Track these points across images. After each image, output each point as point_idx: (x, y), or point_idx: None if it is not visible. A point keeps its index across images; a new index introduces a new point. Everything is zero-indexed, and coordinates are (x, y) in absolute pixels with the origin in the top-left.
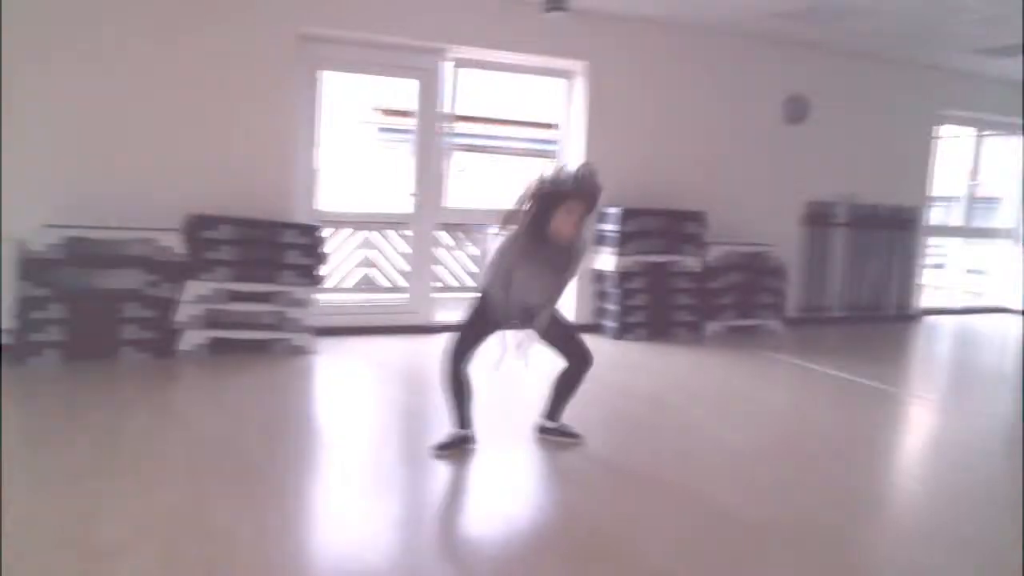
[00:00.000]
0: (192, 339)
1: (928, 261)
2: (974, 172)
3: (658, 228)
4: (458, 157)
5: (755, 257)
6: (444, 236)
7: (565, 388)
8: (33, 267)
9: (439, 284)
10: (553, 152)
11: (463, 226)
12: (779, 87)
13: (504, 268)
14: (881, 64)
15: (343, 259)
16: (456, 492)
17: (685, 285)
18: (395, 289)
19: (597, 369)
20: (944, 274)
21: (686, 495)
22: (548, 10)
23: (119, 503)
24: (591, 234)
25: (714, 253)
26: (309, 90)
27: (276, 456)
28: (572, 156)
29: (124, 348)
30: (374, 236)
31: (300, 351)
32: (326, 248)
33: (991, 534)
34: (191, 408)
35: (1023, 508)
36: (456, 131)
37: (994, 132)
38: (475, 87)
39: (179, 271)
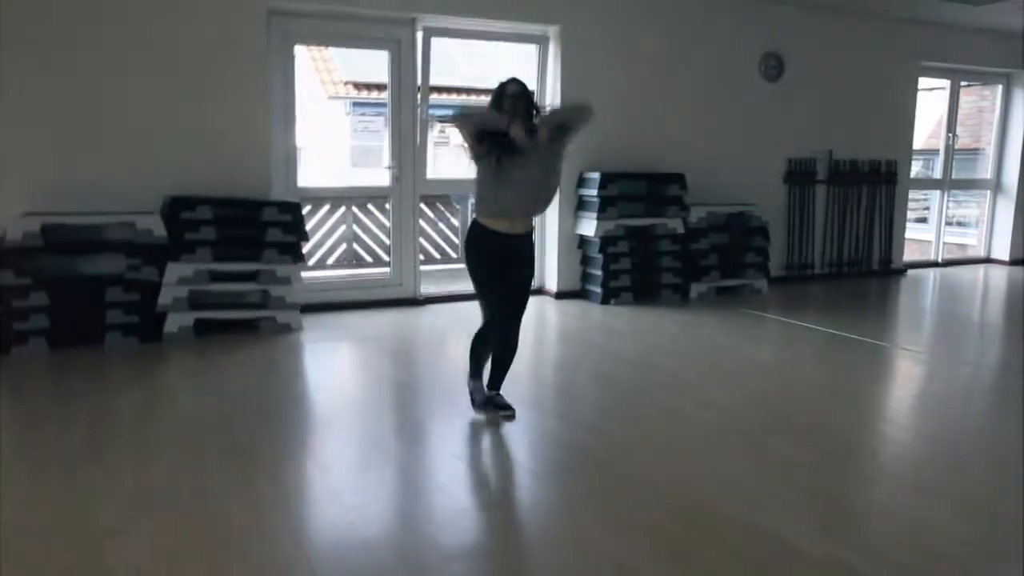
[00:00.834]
0: (177, 321)
1: (911, 215)
2: (953, 123)
3: (639, 191)
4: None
5: (738, 217)
6: (426, 208)
7: (501, 360)
8: (12, 256)
9: (422, 257)
10: None
11: (444, 197)
12: (755, 44)
13: (488, 185)
14: (858, 17)
15: (325, 235)
16: (449, 462)
17: (668, 248)
18: (379, 263)
19: (586, 332)
20: (927, 227)
21: (675, 454)
22: None
23: (114, 486)
24: (561, 130)
25: (696, 214)
26: (282, 66)
27: (268, 433)
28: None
29: (109, 333)
30: (355, 211)
31: (286, 329)
32: (307, 225)
33: (975, 481)
34: (181, 390)
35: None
36: (431, 103)
37: (974, 83)
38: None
39: (160, 254)
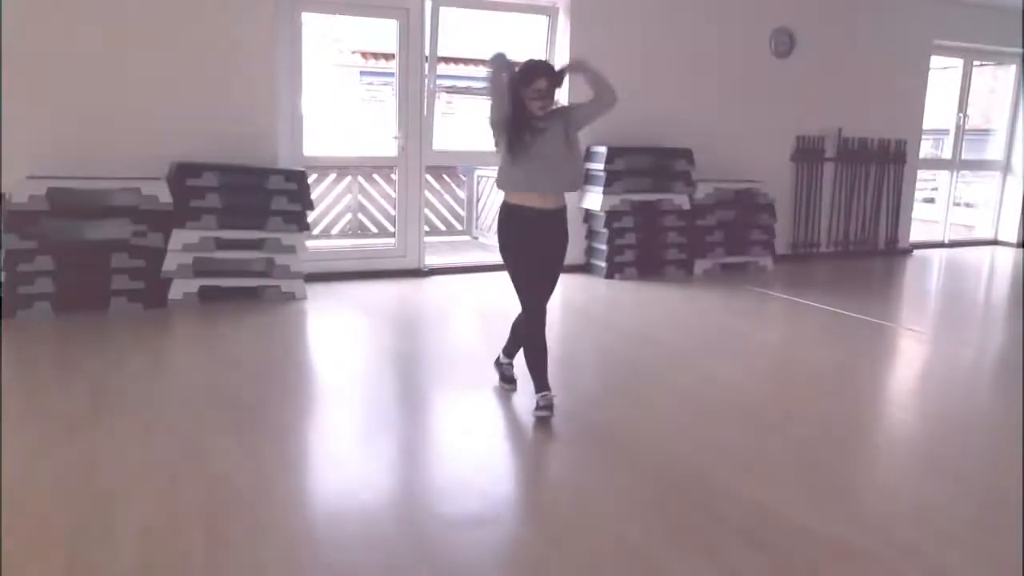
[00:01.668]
0: (182, 288)
1: (919, 195)
2: (964, 104)
3: (645, 166)
4: (443, 99)
5: (744, 194)
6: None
7: (519, 330)
8: (17, 219)
9: (427, 228)
10: None
11: (451, 168)
12: (766, 20)
13: (510, 165)
14: None
15: (331, 204)
16: (451, 432)
17: (674, 223)
18: (384, 233)
19: (589, 307)
20: (935, 208)
21: (677, 429)
22: None
23: (117, 450)
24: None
25: (703, 190)
26: (290, 34)
27: (271, 401)
28: (557, 95)
29: (114, 298)
30: (361, 181)
31: (290, 297)
32: (313, 194)
33: (977, 460)
34: (184, 356)
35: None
36: (439, 73)
37: (986, 62)
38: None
39: (166, 220)
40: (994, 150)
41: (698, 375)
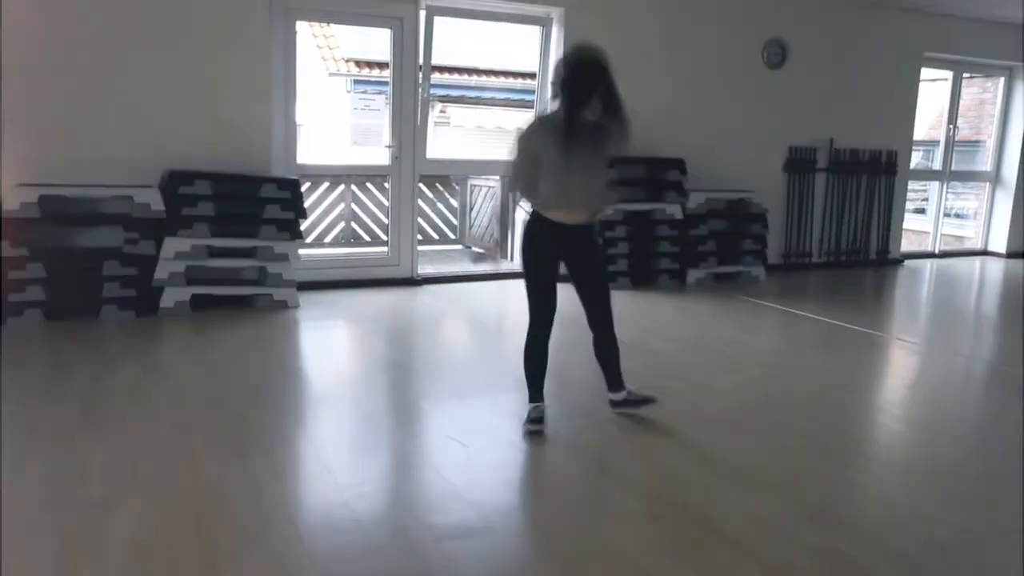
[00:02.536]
0: (174, 296)
1: (910, 205)
2: (954, 115)
3: (638, 176)
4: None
5: (737, 204)
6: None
7: (600, 356)
8: (9, 226)
9: (420, 237)
10: (531, 102)
11: (444, 178)
12: (758, 31)
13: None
14: (863, 6)
15: (324, 213)
16: (443, 442)
17: (667, 233)
18: (377, 242)
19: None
20: (925, 218)
21: (668, 438)
22: None
23: (107, 459)
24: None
25: (695, 200)
26: (284, 42)
27: (263, 410)
28: (550, 106)
29: (105, 306)
30: (354, 189)
31: (282, 306)
32: (306, 202)
33: (967, 469)
34: (176, 364)
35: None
36: (433, 82)
37: (975, 74)
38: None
39: (158, 228)
40: (984, 161)
41: (691, 385)
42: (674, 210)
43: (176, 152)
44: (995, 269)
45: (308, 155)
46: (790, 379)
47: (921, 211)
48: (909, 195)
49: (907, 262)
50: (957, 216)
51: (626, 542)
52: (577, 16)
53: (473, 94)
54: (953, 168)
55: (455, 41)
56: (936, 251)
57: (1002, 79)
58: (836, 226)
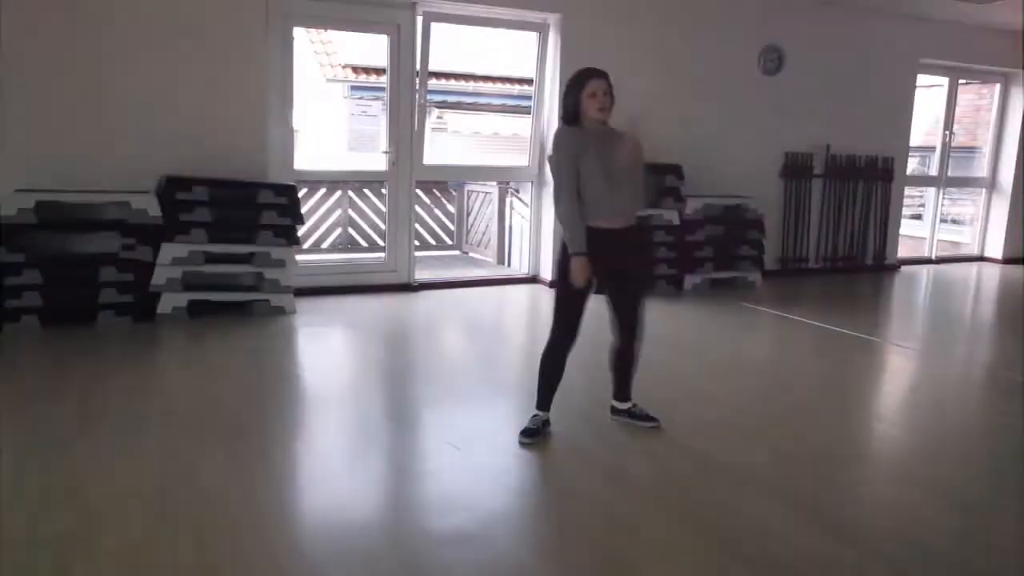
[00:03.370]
0: (171, 302)
1: (906, 211)
2: (950, 121)
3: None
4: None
5: (734, 209)
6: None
7: (620, 366)
8: (5, 232)
9: (417, 243)
10: (529, 108)
11: (441, 183)
12: (755, 37)
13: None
14: (859, 13)
15: (321, 219)
16: (440, 448)
17: (664, 239)
18: (373, 248)
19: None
20: (922, 224)
21: (665, 444)
22: None
23: (105, 465)
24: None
25: (692, 206)
26: (282, 47)
27: (260, 416)
28: (547, 111)
29: (102, 312)
30: (351, 195)
31: (279, 311)
32: (303, 208)
33: (964, 475)
34: (173, 370)
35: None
36: (430, 88)
37: (972, 81)
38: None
39: (155, 234)
40: (980, 167)
41: (687, 391)
42: (671, 216)
43: (173, 158)
44: (991, 275)
45: (305, 161)
46: (787, 384)
47: (917, 217)
48: (905, 201)
49: (903, 268)
50: (953, 222)
51: (622, 546)
52: (574, 23)
53: (470, 100)
54: (949, 174)
55: (452, 47)
56: (932, 257)
57: (998, 85)
58: (833, 232)
